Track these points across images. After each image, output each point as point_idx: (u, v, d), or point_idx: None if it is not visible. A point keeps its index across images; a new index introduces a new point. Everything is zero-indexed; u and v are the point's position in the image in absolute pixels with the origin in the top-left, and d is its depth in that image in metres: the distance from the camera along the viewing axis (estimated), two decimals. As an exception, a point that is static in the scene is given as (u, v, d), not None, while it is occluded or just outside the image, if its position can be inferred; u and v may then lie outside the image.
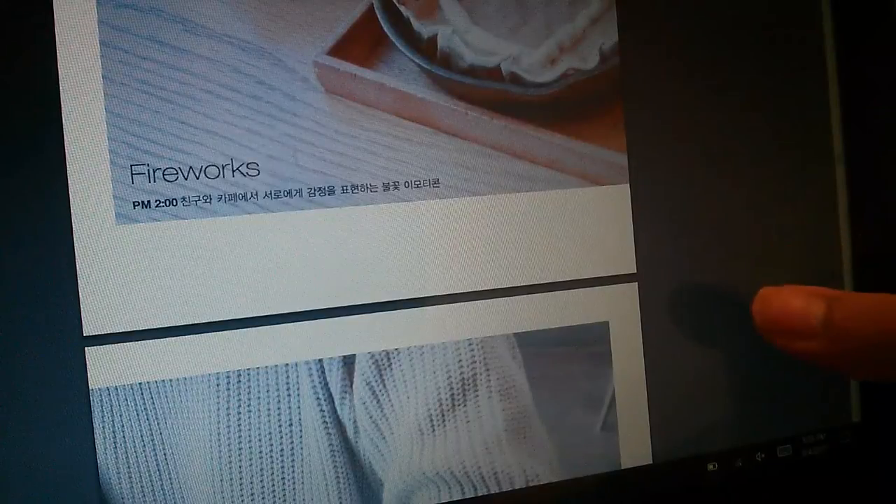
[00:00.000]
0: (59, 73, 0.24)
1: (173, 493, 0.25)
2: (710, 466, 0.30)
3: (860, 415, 0.32)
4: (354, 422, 0.26)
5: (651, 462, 0.30)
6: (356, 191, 0.26)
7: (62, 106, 0.24)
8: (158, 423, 0.25)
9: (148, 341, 0.25)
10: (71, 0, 0.24)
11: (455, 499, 0.27)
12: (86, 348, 0.24)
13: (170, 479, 0.25)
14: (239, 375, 0.25)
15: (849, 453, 0.32)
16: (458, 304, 0.27)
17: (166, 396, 0.25)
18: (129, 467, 0.25)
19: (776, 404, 0.31)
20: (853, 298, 0.19)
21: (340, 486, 0.26)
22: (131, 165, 0.24)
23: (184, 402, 0.25)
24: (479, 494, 0.27)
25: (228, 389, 0.25)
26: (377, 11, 0.27)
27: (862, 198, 0.32)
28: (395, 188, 0.27)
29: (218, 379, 0.25)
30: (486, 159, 0.28)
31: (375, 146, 0.27)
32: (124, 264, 0.24)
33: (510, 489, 0.28)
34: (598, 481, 0.29)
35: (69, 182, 0.24)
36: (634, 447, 0.29)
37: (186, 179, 0.25)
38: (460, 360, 0.27)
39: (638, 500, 0.29)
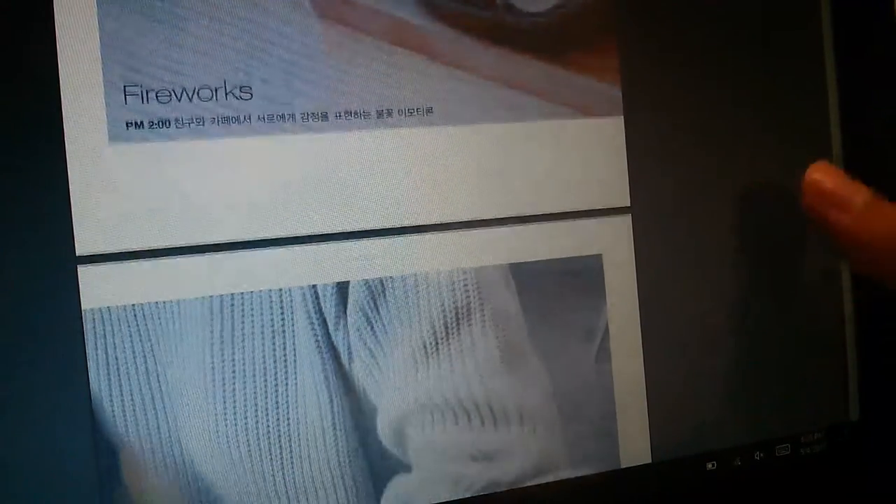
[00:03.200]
0: (52, -11, 0.24)
1: (166, 415, 0.25)
2: (709, 465, 0.30)
3: (858, 413, 0.32)
4: (349, 347, 0.26)
5: (650, 461, 0.30)
6: (349, 117, 0.26)
7: (55, 25, 0.24)
8: (152, 346, 0.25)
9: (141, 262, 0.25)
10: (63, -84, 0.24)
11: (448, 427, 0.27)
12: (79, 267, 0.24)
13: (162, 400, 0.25)
14: (232, 299, 0.25)
15: (847, 452, 0.32)
16: (452, 232, 0.27)
17: (160, 319, 0.25)
18: (121, 389, 0.25)
19: (775, 403, 0.31)
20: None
21: (334, 411, 0.26)
22: (124, 86, 0.24)
23: (177, 325, 0.25)
24: (478, 494, 0.27)
25: (222, 313, 0.25)
26: (371, -64, 0.27)
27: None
28: (389, 115, 0.27)
29: (211, 302, 0.25)
30: (480, 88, 0.28)
31: (369, 73, 0.26)
32: (117, 184, 0.24)
33: (509, 484, 0.28)
34: (597, 480, 0.29)
35: (62, 101, 0.24)
36: (633, 446, 0.29)
37: (179, 101, 0.25)
38: (454, 290, 0.27)
39: (637, 499, 0.29)
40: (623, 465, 0.29)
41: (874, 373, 0.32)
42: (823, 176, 0.22)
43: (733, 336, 0.30)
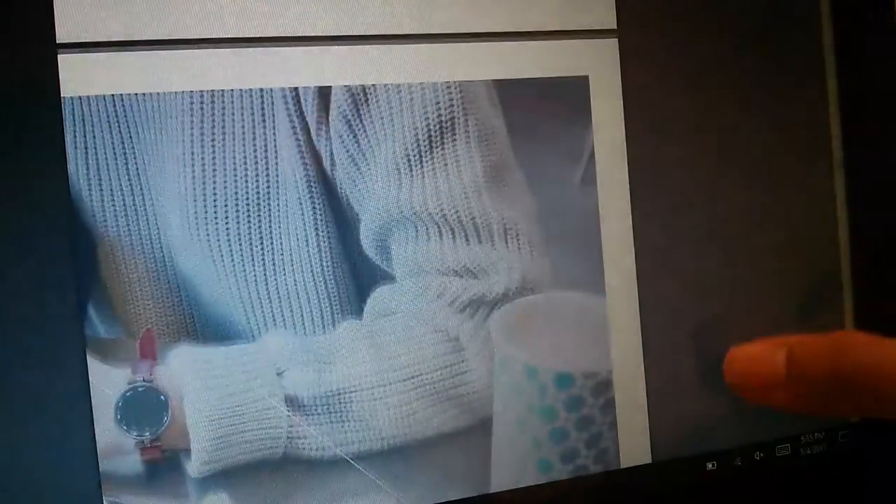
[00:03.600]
0: None
1: (145, 208, 0.25)
2: (709, 465, 0.30)
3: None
4: (331, 154, 0.26)
5: (650, 461, 0.29)
6: (333, -80, 0.26)
7: None
8: (132, 138, 0.25)
9: (122, 53, 0.24)
10: None
11: (432, 241, 0.27)
12: (59, 55, 0.24)
13: (142, 193, 0.25)
14: (213, 95, 0.25)
15: (847, 452, 0.32)
16: (437, 44, 0.27)
17: (139, 111, 0.25)
18: (100, 180, 0.24)
19: (775, 403, 0.31)
20: (811, 340, 0.19)
21: (317, 217, 0.26)
22: None
23: (157, 119, 0.25)
24: (479, 494, 0.28)
25: (202, 109, 0.25)
26: None
27: (861, 202, 0.32)
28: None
29: (192, 97, 0.25)
30: None
31: None
32: (97, -28, 0.24)
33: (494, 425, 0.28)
34: (597, 480, 0.29)
35: None
36: (634, 446, 0.29)
37: None
38: (438, 103, 0.27)
39: (637, 499, 0.29)
40: (623, 466, 0.29)
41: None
42: (736, 364, 0.20)
43: (734, 335, 0.30)
